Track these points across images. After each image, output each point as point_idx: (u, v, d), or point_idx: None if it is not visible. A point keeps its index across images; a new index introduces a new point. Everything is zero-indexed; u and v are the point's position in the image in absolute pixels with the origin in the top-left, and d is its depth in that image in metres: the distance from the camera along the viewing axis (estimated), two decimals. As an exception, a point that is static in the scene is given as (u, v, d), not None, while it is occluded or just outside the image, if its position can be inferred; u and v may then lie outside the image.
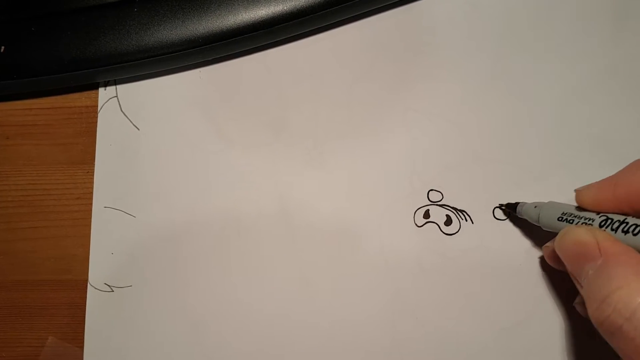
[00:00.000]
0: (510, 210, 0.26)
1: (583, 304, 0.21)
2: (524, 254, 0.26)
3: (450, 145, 0.27)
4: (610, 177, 0.20)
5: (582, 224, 0.20)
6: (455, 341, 0.26)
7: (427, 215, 0.27)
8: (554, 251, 0.21)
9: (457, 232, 0.27)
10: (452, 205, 0.27)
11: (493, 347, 0.26)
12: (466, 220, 0.27)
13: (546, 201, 0.24)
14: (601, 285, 0.17)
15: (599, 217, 0.20)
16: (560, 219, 0.21)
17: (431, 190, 0.27)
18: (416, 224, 0.27)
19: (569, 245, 0.19)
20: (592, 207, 0.20)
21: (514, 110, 0.27)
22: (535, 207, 0.23)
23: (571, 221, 0.21)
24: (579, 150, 0.27)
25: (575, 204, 0.22)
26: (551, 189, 0.26)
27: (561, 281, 0.26)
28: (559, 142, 0.27)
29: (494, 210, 0.27)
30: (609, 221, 0.19)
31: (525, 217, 0.24)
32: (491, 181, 0.27)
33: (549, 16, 0.28)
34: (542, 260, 0.26)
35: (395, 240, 0.27)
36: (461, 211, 0.27)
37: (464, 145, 0.27)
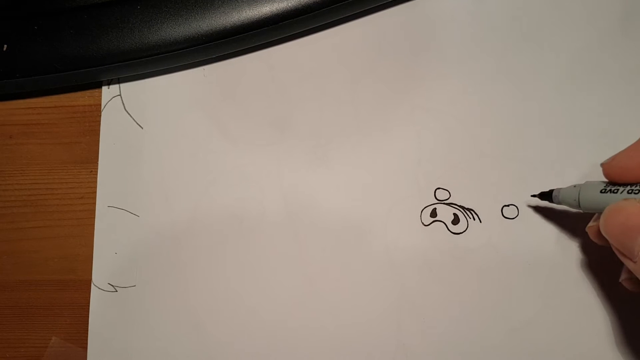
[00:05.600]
0: (545, 199, 0.25)
1: (631, 279, 0.22)
2: (533, 252, 0.26)
3: (457, 143, 0.27)
4: (635, 143, 0.20)
5: (627, 192, 0.20)
6: (463, 342, 0.25)
7: (434, 214, 0.27)
8: (599, 229, 0.21)
9: (464, 230, 0.26)
10: (459, 204, 0.27)
11: (502, 348, 0.25)
12: (474, 219, 0.26)
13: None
14: None
15: None
16: (603, 191, 0.21)
17: (438, 188, 0.27)
18: (423, 223, 0.27)
19: (617, 220, 0.19)
20: (621, 176, 0.20)
21: (521, 107, 0.27)
22: (575, 186, 0.23)
23: (615, 191, 0.20)
24: (586, 145, 0.26)
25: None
26: (559, 186, 0.26)
27: (571, 280, 0.25)
28: (567, 138, 0.26)
29: (502, 208, 0.26)
30: None
31: (563, 203, 0.23)
32: (499, 179, 0.26)
33: (554, 11, 0.28)
34: (551, 259, 0.25)
35: (402, 239, 0.27)
36: (469, 210, 0.26)
37: (471, 143, 0.27)
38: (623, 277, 0.23)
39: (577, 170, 0.26)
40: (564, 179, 0.26)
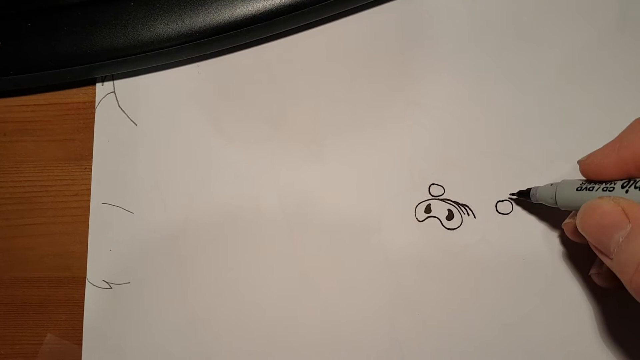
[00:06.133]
0: (523, 198, 0.25)
1: (599, 273, 0.22)
2: (527, 248, 0.25)
3: (451, 138, 0.27)
4: (612, 141, 0.20)
5: (602, 189, 0.20)
6: (457, 337, 0.25)
7: (428, 209, 0.27)
8: (575, 226, 0.21)
9: (459, 226, 0.26)
10: (453, 200, 0.26)
11: (496, 343, 0.25)
12: (468, 215, 0.26)
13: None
14: (635, 248, 0.17)
15: (620, 180, 0.19)
16: (579, 188, 0.21)
17: (432, 184, 0.27)
18: (417, 219, 0.27)
19: (593, 218, 0.19)
20: (597, 174, 0.20)
21: (517, 103, 0.27)
22: (551, 185, 0.23)
23: (591, 189, 0.20)
24: (584, 143, 0.26)
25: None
26: (553, 182, 0.26)
27: (565, 275, 0.25)
28: (562, 135, 0.26)
29: (496, 204, 0.26)
30: (632, 182, 0.19)
31: (540, 200, 0.23)
32: (493, 175, 0.26)
33: (551, 7, 0.27)
34: (546, 254, 0.25)
35: (396, 235, 0.26)
36: (463, 205, 0.26)
37: (466, 138, 0.27)
38: (592, 271, 0.23)
39: (571, 166, 0.26)
40: (558, 175, 0.26)
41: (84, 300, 0.28)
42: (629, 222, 0.17)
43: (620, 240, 0.18)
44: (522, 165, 0.26)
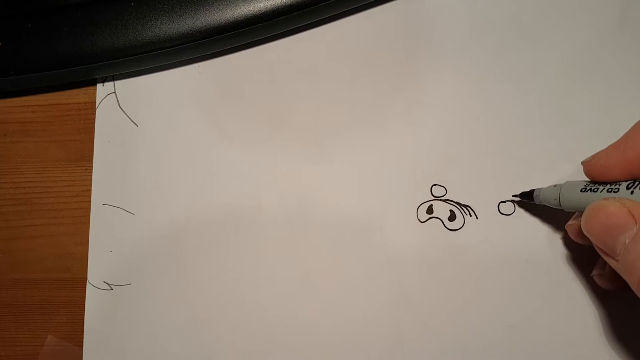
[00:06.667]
0: (526, 199, 0.25)
1: (602, 275, 0.22)
2: (530, 249, 0.25)
3: (453, 139, 0.27)
4: (616, 141, 0.20)
5: (607, 190, 0.20)
6: (460, 338, 0.25)
7: (430, 210, 0.27)
8: (579, 228, 0.21)
9: (461, 227, 0.26)
10: (455, 200, 0.26)
11: (499, 344, 0.25)
12: (470, 216, 0.26)
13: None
14: None
15: (625, 181, 0.19)
16: (583, 190, 0.21)
17: (434, 185, 0.27)
18: (419, 220, 0.27)
19: (598, 219, 0.19)
20: (602, 175, 0.20)
21: (519, 103, 0.27)
22: (555, 186, 0.23)
23: (596, 190, 0.20)
24: (585, 143, 0.26)
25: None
26: (555, 182, 0.26)
27: (568, 277, 0.25)
28: (565, 135, 0.26)
29: (499, 204, 0.26)
30: (637, 182, 0.18)
31: (543, 202, 0.23)
32: (496, 175, 0.26)
33: (552, 7, 0.27)
34: (548, 256, 0.25)
35: (398, 236, 0.26)
36: (465, 206, 0.26)
37: (468, 139, 0.27)
38: (595, 272, 0.23)
39: (573, 166, 0.26)
40: (561, 175, 0.26)
41: (84, 301, 0.28)
42: (635, 223, 0.17)
43: (627, 241, 0.18)
44: (524, 165, 0.26)
